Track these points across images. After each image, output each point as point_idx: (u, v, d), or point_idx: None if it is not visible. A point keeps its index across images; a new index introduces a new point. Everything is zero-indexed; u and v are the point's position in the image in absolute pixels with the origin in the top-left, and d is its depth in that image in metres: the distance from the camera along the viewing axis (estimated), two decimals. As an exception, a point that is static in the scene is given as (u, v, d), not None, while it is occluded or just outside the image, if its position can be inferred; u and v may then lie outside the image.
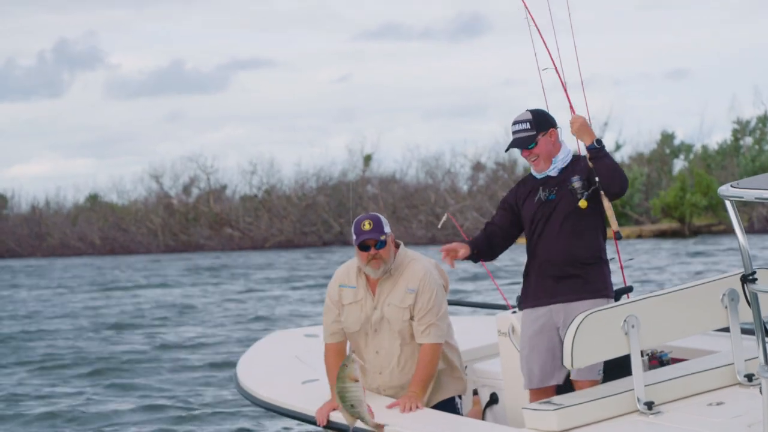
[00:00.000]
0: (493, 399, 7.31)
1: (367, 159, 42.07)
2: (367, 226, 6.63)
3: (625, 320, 5.86)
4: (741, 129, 38.11)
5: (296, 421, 7.88)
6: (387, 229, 6.68)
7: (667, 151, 39.27)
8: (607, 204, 6.44)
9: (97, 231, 43.39)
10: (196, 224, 41.93)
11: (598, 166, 6.34)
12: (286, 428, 9.09)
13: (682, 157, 39.45)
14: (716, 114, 66.10)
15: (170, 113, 64.59)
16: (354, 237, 6.66)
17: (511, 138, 6.61)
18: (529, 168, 6.72)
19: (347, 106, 62.63)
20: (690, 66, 62.24)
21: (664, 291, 6.22)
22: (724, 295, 6.10)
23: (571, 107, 6.74)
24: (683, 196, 32.70)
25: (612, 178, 6.32)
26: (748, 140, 37.76)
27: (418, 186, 39.91)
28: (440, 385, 6.75)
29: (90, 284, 27.25)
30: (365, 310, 6.73)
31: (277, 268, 29.52)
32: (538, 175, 6.63)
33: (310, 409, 6.82)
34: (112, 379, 12.11)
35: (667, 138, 39.59)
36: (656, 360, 6.93)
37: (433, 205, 37.10)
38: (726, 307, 6.11)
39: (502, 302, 8.30)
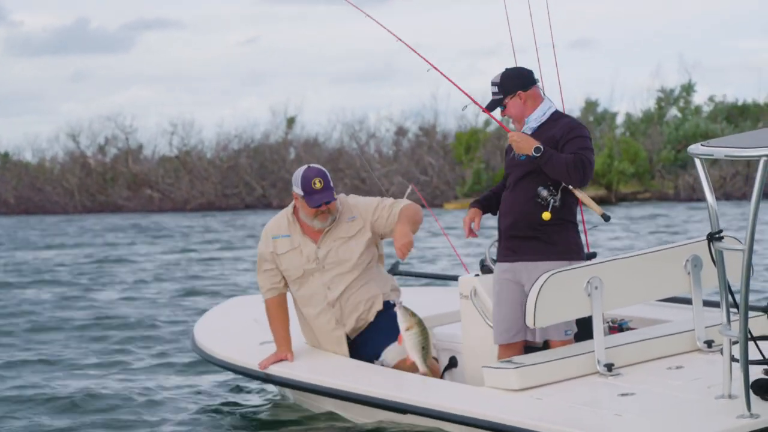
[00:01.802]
0: (452, 363, 7.28)
1: (290, 121, 41.68)
2: (318, 184, 6.70)
3: (588, 282, 5.92)
4: (665, 98, 38.38)
5: (256, 381, 7.95)
6: (332, 182, 6.80)
7: (591, 118, 39.41)
8: (579, 194, 6.41)
9: (11, 190, 42.33)
10: (114, 185, 41.17)
11: (548, 171, 6.35)
12: (240, 385, 8.80)
13: (604, 124, 39.63)
14: (626, 83, 66.67)
15: (75, 72, 63.18)
16: (301, 192, 6.73)
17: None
18: None
19: (255, 70, 62.00)
20: (595, 36, 62.43)
21: (628, 254, 6.26)
22: (687, 261, 6.16)
23: (504, 128, 6.80)
24: (611, 164, 32.83)
25: (568, 176, 6.31)
26: (673, 109, 38.08)
27: (342, 149, 39.60)
28: (380, 295, 6.98)
29: (6, 243, 26.49)
30: (306, 253, 6.86)
31: (200, 230, 29.02)
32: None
33: (270, 368, 7.02)
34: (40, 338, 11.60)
35: (590, 105, 39.76)
36: (616, 329, 6.93)
37: (359, 169, 36.78)
38: (689, 273, 6.17)
39: (456, 273, 8.28)
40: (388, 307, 7.02)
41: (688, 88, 37.98)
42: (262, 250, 7.03)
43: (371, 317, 7.01)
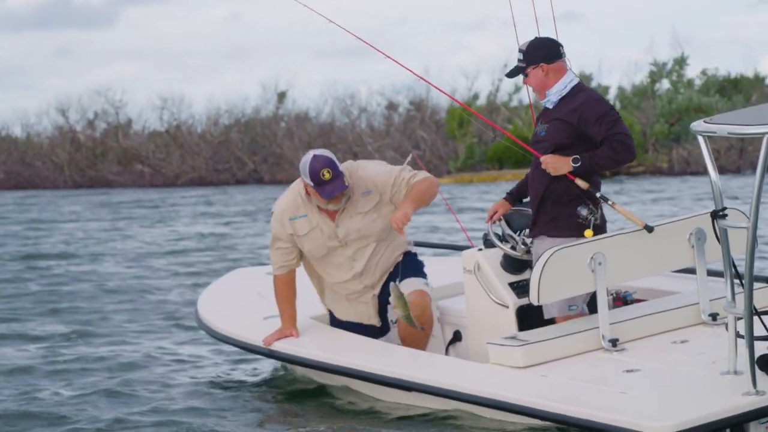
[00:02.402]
0: (456, 336, 7.25)
1: (281, 96, 41.44)
2: (327, 175, 6.59)
3: (592, 257, 5.90)
4: (658, 71, 38.24)
5: (258, 356, 7.88)
6: (340, 166, 6.71)
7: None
8: (619, 209, 6.36)
9: (1, 165, 42.09)
10: (104, 160, 40.95)
11: (597, 170, 6.39)
12: (242, 360, 8.77)
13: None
14: (615, 58, 66.49)
15: (58, 48, 62.61)
16: (311, 183, 6.66)
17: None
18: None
19: (239, 45, 61.39)
20: (582, 9, 62.15)
21: (631, 229, 6.21)
22: (691, 234, 6.15)
23: (536, 153, 6.62)
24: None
25: (617, 164, 6.39)
26: (665, 82, 37.95)
27: (334, 124, 39.41)
28: (399, 252, 7.04)
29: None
30: (326, 232, 6.83)
31: (196, 204, 28.89)
32: (542, 104, 6.70)
33: (275, 344, 7.04)
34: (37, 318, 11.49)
35: (584, 79, 39.59)
36: (620, 300, 6.89)
37: (351, 143, 36.61)
38: (693, 247, 6.15)
39: (465, 244, 8.28)
40: (409, 256, 7.12)
41: (681, 62, 37.84)
42: (277, 231, 6.93)
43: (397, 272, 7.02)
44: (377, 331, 7.18)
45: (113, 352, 9.39)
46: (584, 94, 6.54)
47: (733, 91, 38.21)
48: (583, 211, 6.41)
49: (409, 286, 6.92)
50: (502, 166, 34.93)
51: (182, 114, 41.41)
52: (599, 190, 6.54)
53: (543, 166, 6.48)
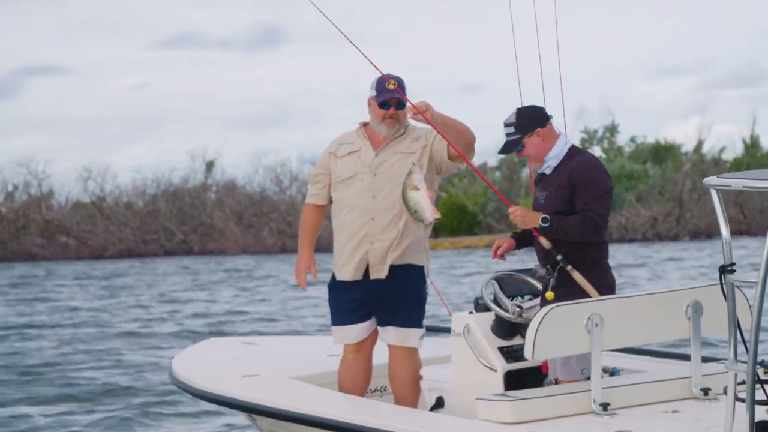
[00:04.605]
0: (439, 402, 7.18)
1: (210, 165, 40.97)
2: (391, 85, 6.80)
3: (589, 318, 5.89)
4: (588, 138, 38.52)
5: (239, 412, 7.68)
6: (406, 91, 6.87)
7: (516, 159, 39.43)
8: (577, 277, 6.29)
9: None
10: (26, 232, 39.91)
11: (561, 238, 6.29)
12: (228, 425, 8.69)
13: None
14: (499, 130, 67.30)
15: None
16: (374, 93, 6.86)
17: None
18: None
19: (146, 115, 61.05)
20: (482, 80, 63.00)
21: (630, 294, 6.32)
22: (688, 306, 6.15)
23: (507, 203, 6.70)
24: (543, 205, 32.62)
25: (582, 237, 6.26)
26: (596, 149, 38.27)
27: (263, 193, 38.97)
28: (413, 249, 6.91)
29: None
30: (362, 158, 6.90)
31: (124, 276, 28.06)
32: (539, 170, 6.57)
33: (252, 396, 6.86)
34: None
35: (515, 147, 39.70)
36: (608, 375, 6.87)
37: (284, 213, 36.11)
38: (689, 319, 6.15)
39: (445, 326, 8.14)
40: (411, 273, 6.95)
41: (612, 129, 38.17)
42: (322, 158, 7.09)
43: (395, 255, 6.88)
44: (361, 291, 6.98)
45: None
46: (579, 157, 6.39)
47: (662, 158, 38.63)
48: (541, 271, 6.37)
49: (400, 337, 6.93)
50: (437, 234, 34.71)
51: (107, 185, 40.58)
52: (606, 257, 6.41)
53: (511, 218, 6.41)
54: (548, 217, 6.25)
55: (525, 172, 39.56)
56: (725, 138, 69.24)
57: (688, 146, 39.52)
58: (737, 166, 37.26)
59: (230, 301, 20.34)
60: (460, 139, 6.79)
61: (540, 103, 6.67)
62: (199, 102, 58.76)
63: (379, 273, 6.87)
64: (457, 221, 34.97)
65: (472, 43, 58.84)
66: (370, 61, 6.96)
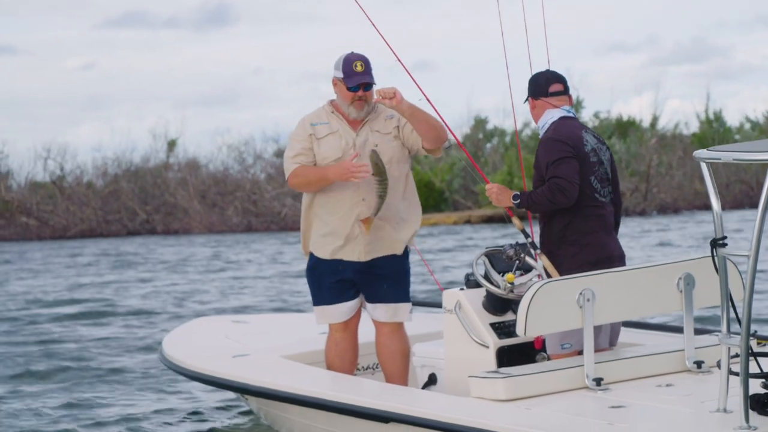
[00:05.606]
0: (432, 379, 7.22)
1: (172, 144, 40.55)
2: (359, 67, 6.76)
3: (581, 293, 5.89)
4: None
5: (230, 392, 7.74)
6: (373, 71, 6.85)
7: (480, 135, 39.32)
8: (544, 260, 6.45)
9: None
10: (-16, 213, 39.33)
11: (535, 211, 6.44)
12: (220, 402, 8.56)
13: (495, 140, 39.52)
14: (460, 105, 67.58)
15: None
16: (341, 75, 6.78)
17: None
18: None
19: (94, 95, 60.38)
20: (434, 58, 62.99)
21: (622, 268, 6.28)
22: (680, 279, 6.13)
23: (486, 180, 6.90)
24: (511, 181, 32.55)
25: (553, 206, 6.32)
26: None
27: (226, 172, 38.61)
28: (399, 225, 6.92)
29: None
30: (345, 138, 6.84)
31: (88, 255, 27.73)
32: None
33: (244, 376, 6.88)
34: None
35: (480, 122, 39.67)
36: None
37: (248, 192, 35.78)
38: (681, 291, 6.14)
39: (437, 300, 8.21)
40: (401, 259, 6.97)
41: (577, 105, 38.09)
42: (297, 132, 6.92)
43: (390, 231, 6.93)
44: (351, 271, 6.97)
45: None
46: (545, 136, 6.47)
47: (625, 133, 38.64)
48: (510, 251, 6.49)
49: (390, 313, 6.98)
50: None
51: (67, 164, 40.09)
52: (590, 233, 6.45)
53: (486, 194, 6.54)
54: (518, 193, 6.40)
55: (488, 148, 39.53)
56: (678, 113, 70.44)
57: (645, 122, 39.67)
58: (701, 141, 37.36)
59: (215, 280, 19.98)
60: (432, 132, 6.77)
61: (523, 78, 6.71)
62: (148, 82, 58.36)
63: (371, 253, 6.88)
64: (424, 198, 34.78)
65: (424, 21, 59.06)
66: (384, 39, 6.95)
